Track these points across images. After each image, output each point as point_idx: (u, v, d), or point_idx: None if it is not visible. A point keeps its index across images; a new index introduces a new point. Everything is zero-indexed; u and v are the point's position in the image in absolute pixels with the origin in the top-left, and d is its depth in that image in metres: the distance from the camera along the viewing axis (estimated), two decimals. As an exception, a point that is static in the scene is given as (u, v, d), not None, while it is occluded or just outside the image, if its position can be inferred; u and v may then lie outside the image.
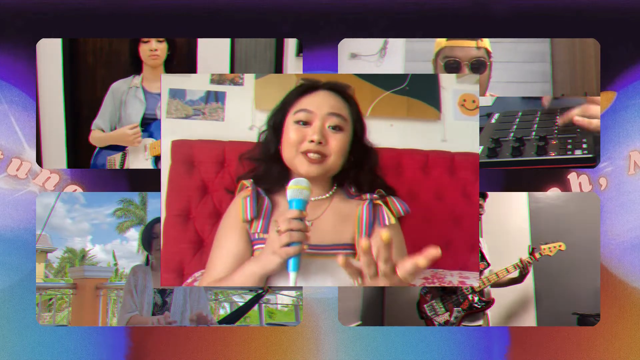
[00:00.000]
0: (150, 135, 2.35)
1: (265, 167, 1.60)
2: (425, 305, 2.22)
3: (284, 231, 1.34)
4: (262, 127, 1.65)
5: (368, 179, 1.62)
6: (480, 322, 2.25)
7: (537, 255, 2.31)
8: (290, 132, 1.51)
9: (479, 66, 2.20)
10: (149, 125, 2.37)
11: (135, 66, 2.40)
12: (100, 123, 2.40)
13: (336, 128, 1.51)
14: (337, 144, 1.51)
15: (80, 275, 2.48)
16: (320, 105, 1.52)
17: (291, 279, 1.37)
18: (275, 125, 1.58)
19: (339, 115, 1.52)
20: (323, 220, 1.55)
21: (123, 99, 2.40)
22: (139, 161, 2.34)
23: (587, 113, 1.87)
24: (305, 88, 1.57)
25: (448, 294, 2.21)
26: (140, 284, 2.26)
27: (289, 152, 1.52)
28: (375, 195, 1.60)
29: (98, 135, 2.40)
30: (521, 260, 2.28)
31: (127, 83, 2.42)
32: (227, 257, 1.52)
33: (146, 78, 2.41)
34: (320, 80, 1.59)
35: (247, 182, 1.60)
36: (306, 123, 1.51)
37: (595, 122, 1.88)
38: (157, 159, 2.32)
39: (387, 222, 1.56)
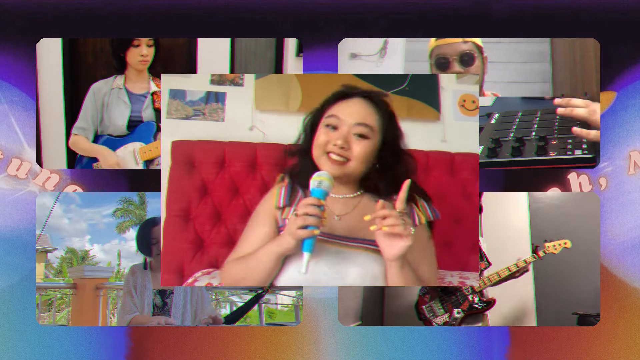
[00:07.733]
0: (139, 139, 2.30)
1: (300, 162, 1.72)
2: (424, 307, 2.18)
3: (300, 215, 1.47)
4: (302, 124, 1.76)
5: (398, 183, 1.63)
6: (480, 324, 2.19)
7: (540, 253, 2.21)
8: (321, 134, 1.63)
9: (468, 59, 2.20)
10: (135, 128, 2.31)
11: (118, 67, 2.33)
12: (83, 126, 2.33)
13: (361, 136, 1.61)
14: (359, 150, 1.60)
15: (80, 275, 2.48)
16: (350, 113, 1.62)
17: (305, 259, 1.48)
18: (311, 125, 1.70)
19: (365, 125, 1.61)
20: (352, 216, 1.64)
21: (105, 100, 2.32)
22: (131, 167, 2.29)
23: (590, 107, 1.84)
24: (342, 94, 1.68)
25: (447, 295, 2.17)
26: (139, 284, 2.24)
27: (316, 151, 1.64)
28: None
29: (82, 146, 2.32)
30: (517, 265, 2.19)
31: (109, 84, 2.34)
32: (254, 238, 1.65)
33: (129, 79, 2.34)
34: (359, 87, 1.70)
35: (285, 176, 1.73)
36: (335, 128, 1.62)
37: (594, 133, 1.87)
38: (148, 162, 2.27)
39: (417, 222, 1.64)
